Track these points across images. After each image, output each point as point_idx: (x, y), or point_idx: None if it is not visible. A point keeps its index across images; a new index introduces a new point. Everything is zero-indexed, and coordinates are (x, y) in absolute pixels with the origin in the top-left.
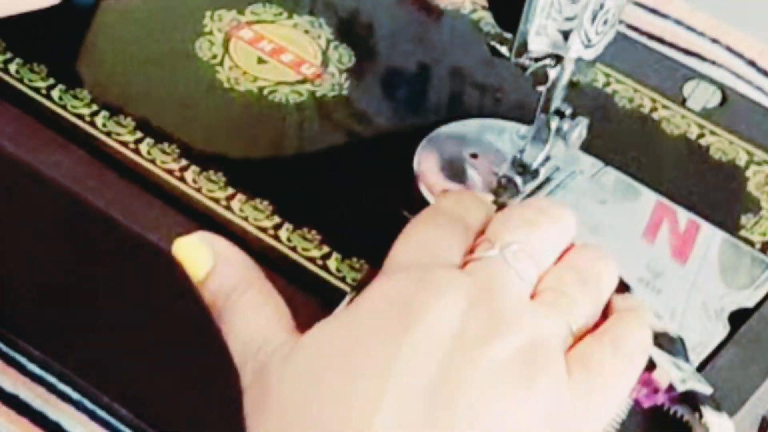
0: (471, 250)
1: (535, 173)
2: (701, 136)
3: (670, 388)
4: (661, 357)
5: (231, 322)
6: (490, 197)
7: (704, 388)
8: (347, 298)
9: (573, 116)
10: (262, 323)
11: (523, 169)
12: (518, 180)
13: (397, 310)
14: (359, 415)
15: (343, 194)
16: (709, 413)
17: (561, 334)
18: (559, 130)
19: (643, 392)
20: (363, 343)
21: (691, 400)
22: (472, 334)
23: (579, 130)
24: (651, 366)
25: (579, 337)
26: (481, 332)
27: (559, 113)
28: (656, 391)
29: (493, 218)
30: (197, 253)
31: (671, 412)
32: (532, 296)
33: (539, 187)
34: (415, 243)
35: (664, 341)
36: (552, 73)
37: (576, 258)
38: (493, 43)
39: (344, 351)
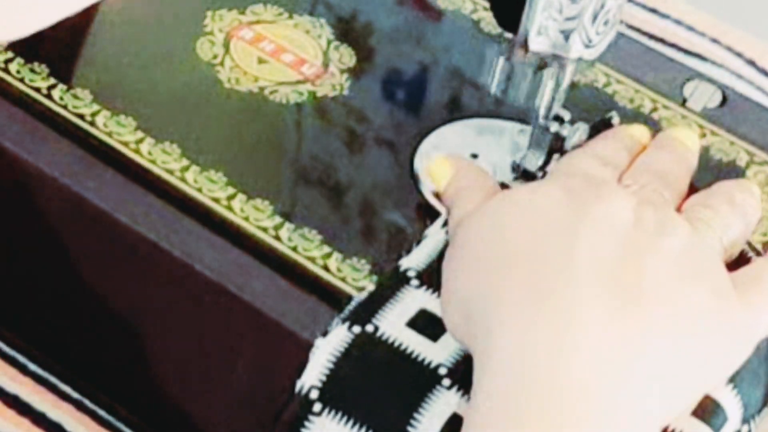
0: None
1: (534, 178)
2: (702, 136)
3: None
4: None
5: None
6: None
7: None
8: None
9: (572, 122)
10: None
11: (523, 174)
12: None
13: (579, 192)
14: (559, 253)
15: (344, 194)
16: None
17: (714, 244)
18: (558, 135)
19: None
20: (546, 212)
21: None
22: (646, 226)
23: (578, 135)
24: None
25: (732, 254)
26: (652, 227)
27: (558, 119)
28: None
29: None
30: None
31: None
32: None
33: None
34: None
35: None
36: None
37: (722, 185)
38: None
39: (531, 212)
